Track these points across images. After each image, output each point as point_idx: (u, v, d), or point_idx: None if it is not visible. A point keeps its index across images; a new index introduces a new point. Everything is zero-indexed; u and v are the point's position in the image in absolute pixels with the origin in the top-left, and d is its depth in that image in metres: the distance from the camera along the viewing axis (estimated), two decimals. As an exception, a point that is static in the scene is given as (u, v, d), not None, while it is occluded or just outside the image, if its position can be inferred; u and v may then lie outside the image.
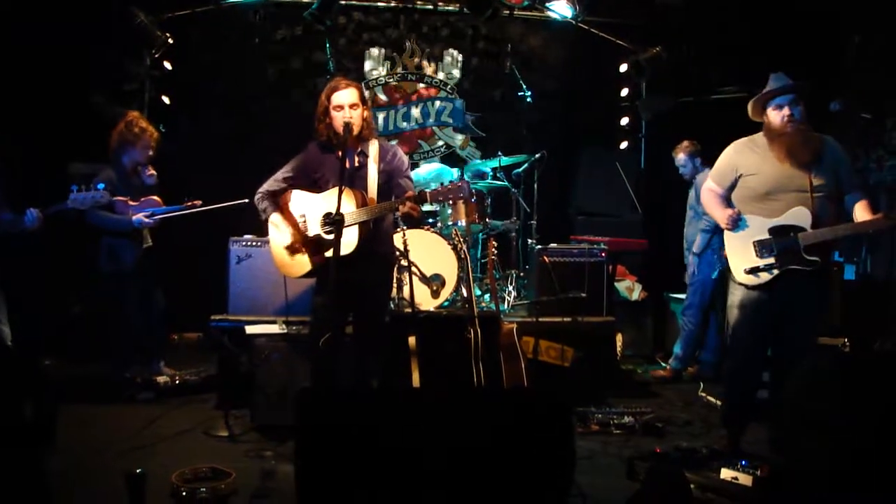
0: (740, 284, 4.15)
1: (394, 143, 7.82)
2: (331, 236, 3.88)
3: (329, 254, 3.87)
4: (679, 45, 7.60)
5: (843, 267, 6.90)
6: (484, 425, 2.42)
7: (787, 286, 4.01)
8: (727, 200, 4.28)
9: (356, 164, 4.10)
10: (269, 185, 4.22)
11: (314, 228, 4.11)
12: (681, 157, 6.28)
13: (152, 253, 5.49)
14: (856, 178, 4.24)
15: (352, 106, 3.99)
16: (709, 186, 4.37)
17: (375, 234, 4.09)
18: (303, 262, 4.15)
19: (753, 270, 4.04)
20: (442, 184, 3.93)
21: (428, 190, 3.93)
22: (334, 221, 3.56)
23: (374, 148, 4.14)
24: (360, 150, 4.13)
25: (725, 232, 4.22)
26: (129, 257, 5.37)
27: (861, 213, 4.02)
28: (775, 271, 3.99)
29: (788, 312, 4.05)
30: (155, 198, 5.46)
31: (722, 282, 5.56)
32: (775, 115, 4.05)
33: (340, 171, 3.83)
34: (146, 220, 5.27)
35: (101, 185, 4.72)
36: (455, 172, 6.66)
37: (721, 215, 4.23)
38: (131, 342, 5.55)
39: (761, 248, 4.05)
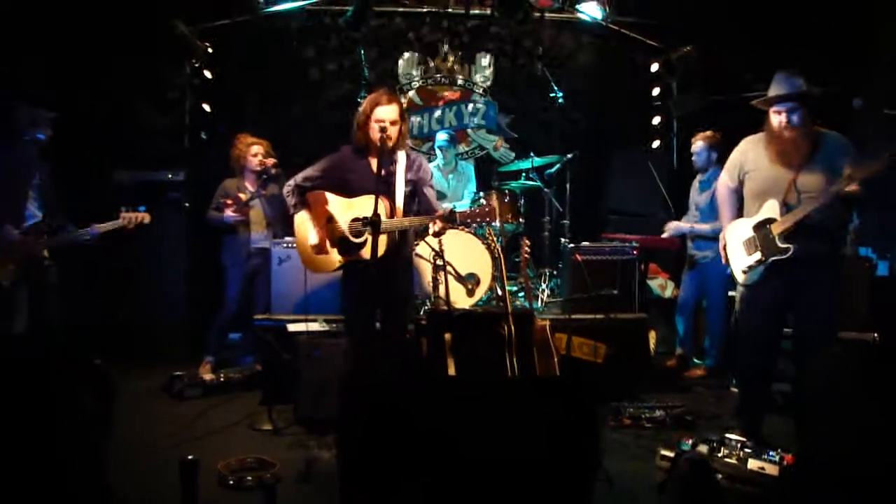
0: (741, 284, 4.31)
1: (428, 145, 8.02)
2: (358, 240, 4.15)
3: (354, 256, 4.18)
4: (710, 43, 7.62)
5: (877, 264, 6.86)
6: (513, 411, 2.55)
7: (781, 279, 4.11)
8: (738, 196, 4.41)
9: (386, 173, 4.25)
10: (298, 180, 4.36)
11: (341, 230, 4.28)
12: (699, 144, 6.26)
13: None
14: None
15: (392, 122, 4.14)
16: (723, 180, 4.52)
17: (402, 240, 4.31)
18: (328, 261, 4.31)
19: (747, 269, 4.20)
20: (471, 207, 4.13)
21: (458, 210, 4.10)
22: (371, 223, 3.71)
23: (401, 158, 4.30)
24: (390, 159, 4.30)
25: (727, 235, 4.39)
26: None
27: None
28: (761, 267, 4.12)
29: (792, 304, 4.16)
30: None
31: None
32: (774, 118, 4.12)
33: (377, 177, 4.02)
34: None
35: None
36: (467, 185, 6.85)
37: (722, 215, 4.51)
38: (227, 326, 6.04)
39: (748, 246, 4.21)
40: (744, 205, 4.36)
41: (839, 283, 4.22)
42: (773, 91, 4.13)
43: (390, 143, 4.13)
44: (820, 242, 4.05)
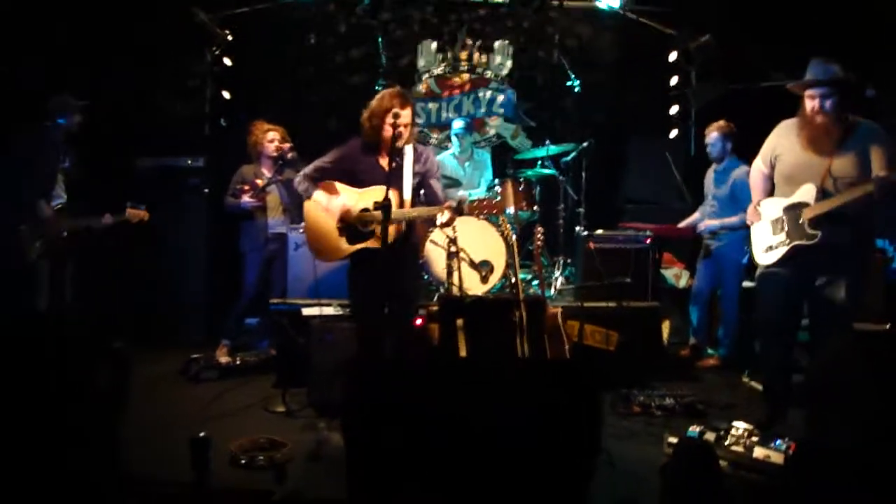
0: (761, 265, 4.33)
1: (445, 133, 8.05)
2: (367, 228, 4.27)
3: (363, 244, 4.28)
4: (729, 32, 7.58)
5: (893, 256, 6.81)
6: (517, 392, 2.60)
7: (802, 264, 4.13)
8: (770, 182, 4.41)
9: (394, 166, 4.33)
10: (308, 170, 4.44)
11: (351, 219, 4.34)
12: (714, 135, 6.22)
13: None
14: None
15: (406, 125, 4.23)
16: (756, 166, 4.52)
17: (409, 230, 4.41)
18: (337, 249, 4.39)
19: (768, 249, 4.23)
20: (480, 198, 4.20)
21: (466, 204, 4.19)
22: (382, 206, 3.79)
23: (409, 151, 4.38)
24: (399, 153, 4.38)
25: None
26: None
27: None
28: (784, 248, 4.12)
29: (809, 290, 4.17)
30: None
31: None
32: (808, 103, 4.13)
33: (388, 169, 4.19)
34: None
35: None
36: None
37: (752, 201, 4.44)
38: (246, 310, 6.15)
39: (775, 226, 4.24)
40: (774, 189, 4.38)
41: (860, 277, 4.23)
42: (808, 76, 4.14)
43: (400, 143, 4.23)
44: (847, 233, 4.04)
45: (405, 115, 4.20)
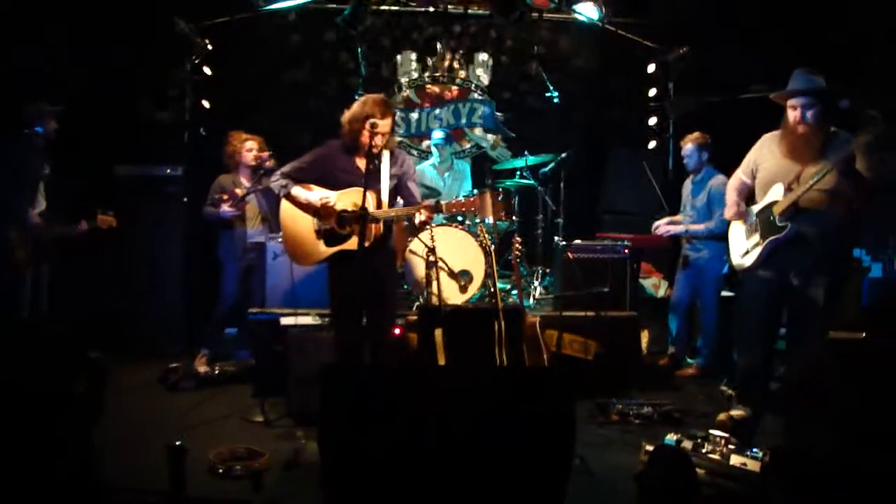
0: (740, 269, 4.41)
1: (425, 143, 8.08)
2: (344, 231, 4.28)
3: (340, 247, 4.29)
4: (706, 45, 7.66)
5: (871, 265, 6.92)
6: (491, 398, 2.62)
7: (778, 261, 4.20)
8: (748, 189, 4.48)
9: (371, 168, 4.36)
10: (287, 168, 4.46)
11: (328, 222, 4.36)
12: (689, 146, 6.31)
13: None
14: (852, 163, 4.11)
15: (384, 134, 4.27)
16: (736, 174, 4.58)
17: (386, 231, 4.43)
18: (314, 252, 4.41)
19: (745, 253, 4.32)
20: (465, 195, 4.24)
21: (444, 202, 4.23)
22: (360, 216, 3.80)
23: (385, 153, 4.42)
24: (377, 157, 4.41)
25: (731, 225, 4.46)
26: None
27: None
28: (759, 248, 4.21)
29: (787, 291, 4.21)
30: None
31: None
32: (790, 113, 4.19)
33: (366, 172, 4.20)
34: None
35: None
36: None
37: (729, 202, 4.50)
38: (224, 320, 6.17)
39: (749, 230, 4.34)
40: (751, 196, 4.45)
41: (837, 278, 4.31)
42: (791, 87, 4.21)
43: (376, 150, 4.28)
44: (817, 223, 4.09)
45: (384, 124, 4.23)
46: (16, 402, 2.80)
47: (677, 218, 6.49)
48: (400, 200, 4.54)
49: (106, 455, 3.23)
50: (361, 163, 4.35)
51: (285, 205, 4.46)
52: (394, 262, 4.73)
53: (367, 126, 4.18)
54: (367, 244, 4.07)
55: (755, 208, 4.33)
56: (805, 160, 4.12)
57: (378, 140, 4.22)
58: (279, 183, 4.41)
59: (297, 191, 4.37)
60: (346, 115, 4.33)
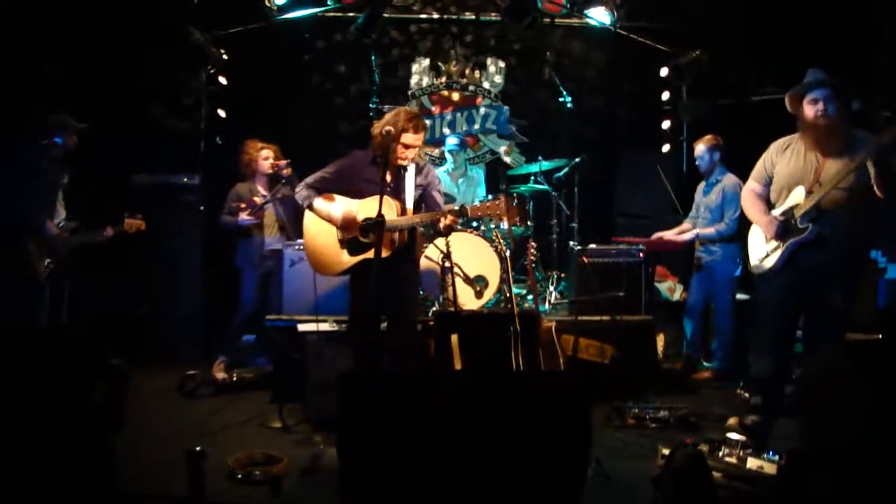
0: (757, 275, 4.38)
1: (439, 150, 8.11)
2: (368, 239, 4.28)
3: (364, 256, 4.30)
4: (718, 48, 7.66)
5: (886, 267, 6.88)
6: (508, 403, 2.64)
7: (798, 264, 4.16)
8: (766, 200, 4.42)
9: (397, 178, 4.42)
10: (309, 181, 4.52)
11: (351, 231, 4.40)
12: (700, 148, 6.30)
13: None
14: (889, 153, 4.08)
15: (415, 148, 4.37)
16: (749, 186, 4.52)
17: (410, 240, 4.46)
18: (337, 262, 4.44)
19: (766, 256, 4.28)
20: (482, 200, 4.26)
21: (468, 206, 4.30)
22: (376, 223, 3.82)
23: (411, 165, 4.48)
24: (403, 168, 4.48)
25: (751, 228, 4.43)
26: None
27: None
28: (780, 251, 4.18)
29: (806, 294, 4.19)
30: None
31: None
32: (809, 109, 4.14)
33: (390, 181, 4.24)
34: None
35: None
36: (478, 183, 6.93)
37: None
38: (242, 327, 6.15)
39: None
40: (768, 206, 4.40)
41: (857, 282, 4.28)
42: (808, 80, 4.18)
43: (405, 163, 4.37)
44: (840, 224, 4.05)
45: (416, 139, 4.31)
46: (35, 410, 2.84)
47: (685, 227, 6.48)
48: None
49: (125, 461, 3.28)
50: (387, 173, 4.37)
51: (309, 215, 4.51)
52: (417, 271, 4.76)
53: (401, 140, 4.25)
54: (390, 253, 4.12)
55: (776, 212, 4.29)
56: (831, 153, 4.07)
57: (410, 153, 4.30)
58: (302, 194, 4.47)
59: (320, 203, 4.41)
60: (377, 127, 4.36)
